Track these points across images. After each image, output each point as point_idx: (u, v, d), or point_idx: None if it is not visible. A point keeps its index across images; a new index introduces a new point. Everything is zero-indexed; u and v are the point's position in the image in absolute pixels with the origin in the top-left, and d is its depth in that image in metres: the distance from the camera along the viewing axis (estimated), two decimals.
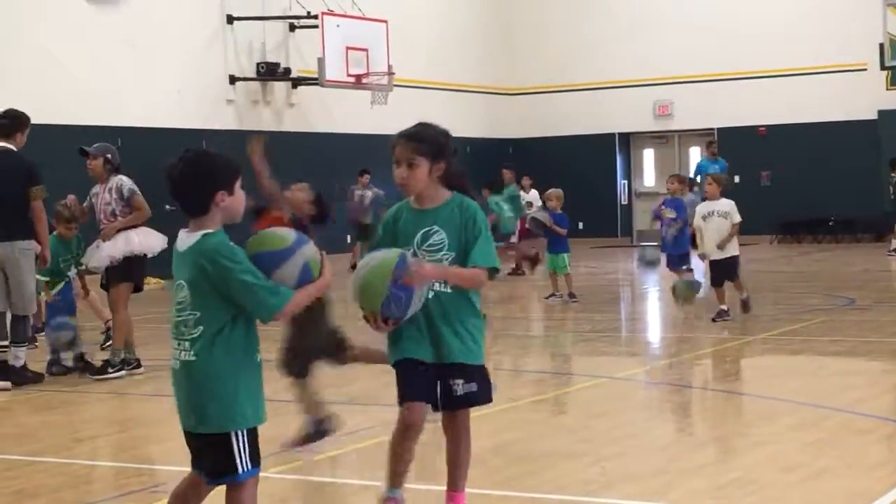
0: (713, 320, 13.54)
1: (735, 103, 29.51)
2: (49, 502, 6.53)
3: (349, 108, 25.27)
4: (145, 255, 10.85)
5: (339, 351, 7.25)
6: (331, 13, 23.72)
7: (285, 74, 24.72)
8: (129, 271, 10.79)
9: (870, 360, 11.26)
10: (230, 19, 23.79)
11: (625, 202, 31.59)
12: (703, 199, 14.41)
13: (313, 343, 7.09)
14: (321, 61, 23.15)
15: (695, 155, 31.08)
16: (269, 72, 24.43)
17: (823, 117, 28.63)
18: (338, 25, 23.59)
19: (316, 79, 23.60)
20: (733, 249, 13.73)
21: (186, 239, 4.57)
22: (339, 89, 24.04)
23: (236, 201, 4.61)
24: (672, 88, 30.40)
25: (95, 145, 11.10)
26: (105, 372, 10.73)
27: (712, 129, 30.04)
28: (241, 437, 4.51)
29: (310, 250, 4.62)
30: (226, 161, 4.65)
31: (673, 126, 31.03)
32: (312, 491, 6.73)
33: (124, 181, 10.89)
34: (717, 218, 13.66)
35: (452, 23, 29.98)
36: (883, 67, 27.21)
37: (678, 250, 15.11)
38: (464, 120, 28.25)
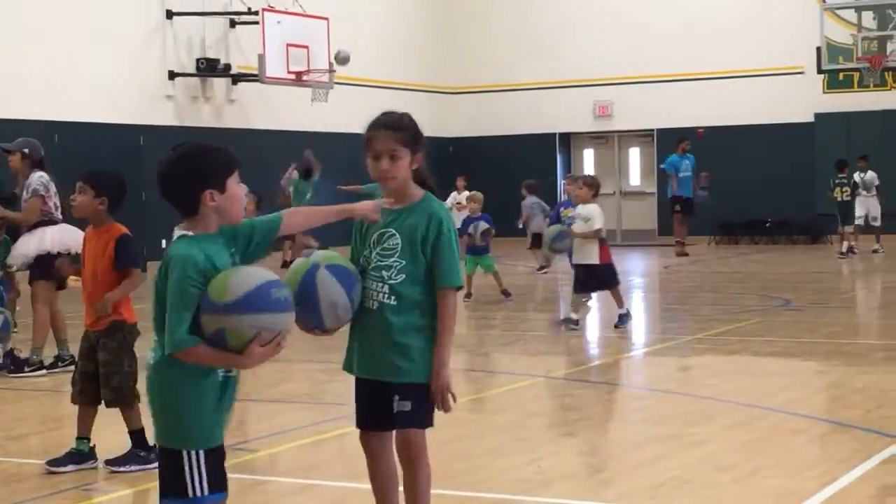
0: (558, 324, 13.41)
1: (674, 105, 29.67)
2: None
3: (289, 106, 25.15)
4: (68, 252, 10.55)
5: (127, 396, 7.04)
6: (271, 9, 23.59)
7: (225, 71, 24.54)
8: (46, 269, 10.55)
9: (804, 360, 11.38)
10: (170, 14, 23.57)
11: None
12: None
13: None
14: (261, 58, 23.01)
15: (634, 155, 31.29)
16: (208, 68, 24.24)
17: (761, 119, 28.85)
18: (279, 22, 23.45)
19: (256, 75, 23.45)
20: (592, 257, 13.05)
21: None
22: (280, 86, 23.92)
23: (229, 200, 4.20)
24: (612, 89, 30.51)
25: (16, 140, 10.90)
26: (21, 370, 10.56)
27: (651, 129, 30.22)
28: (194, 458, 4.14)
29: (236, 322, 4.03)
30: (217, 157, 4.26)
31: (613, 127, 31.12)
32: (248, 489, 6.67)
33: (34, 178, 10.57)
34: (579, 222, 13.18)
35: (394, 21, 29.93)
36: (820, 71, 27.55)
37: None
38: None
